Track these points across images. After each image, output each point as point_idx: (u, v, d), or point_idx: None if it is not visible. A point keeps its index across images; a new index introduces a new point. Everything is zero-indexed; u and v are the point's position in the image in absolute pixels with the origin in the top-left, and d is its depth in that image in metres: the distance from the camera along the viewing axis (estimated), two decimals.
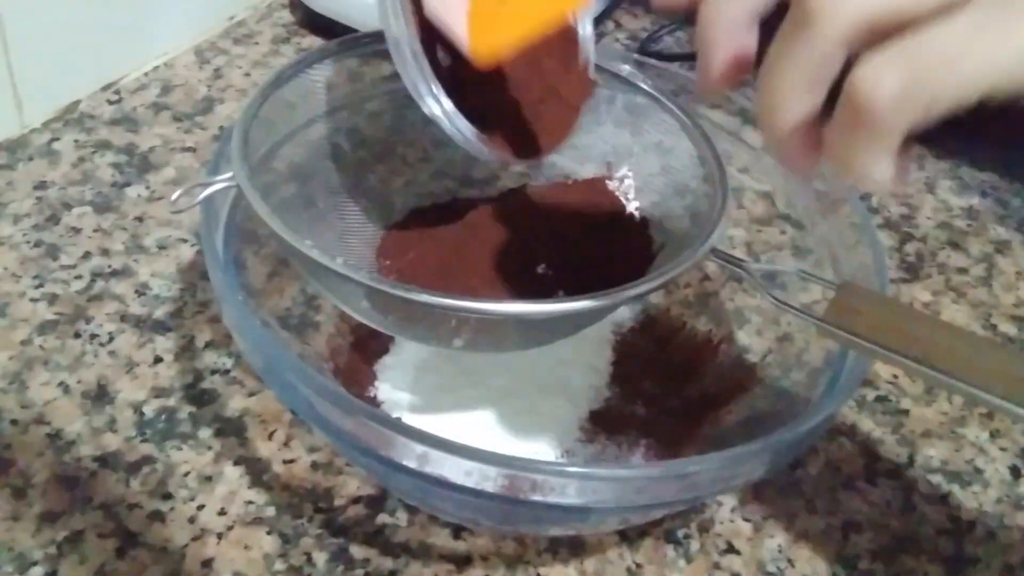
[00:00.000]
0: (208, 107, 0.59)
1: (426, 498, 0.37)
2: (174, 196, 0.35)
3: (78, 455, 0.40)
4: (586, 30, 0.38)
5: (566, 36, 0.38)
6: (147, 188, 0.52)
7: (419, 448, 0.31)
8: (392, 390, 0.42)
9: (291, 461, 0.41)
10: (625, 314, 0.46)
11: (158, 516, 0.38)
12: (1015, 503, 0.42)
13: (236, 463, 0.40)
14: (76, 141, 0.55)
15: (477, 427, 0.40)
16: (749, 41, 0.29)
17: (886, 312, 0.33)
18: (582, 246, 0.42)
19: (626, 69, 0.43)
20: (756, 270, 0.37)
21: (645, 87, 0.42)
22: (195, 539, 0.38)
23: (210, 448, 0.41)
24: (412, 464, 0.31)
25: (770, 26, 0.28)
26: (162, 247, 0.49)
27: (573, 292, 0.34)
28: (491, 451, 0.31)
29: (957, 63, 0.24)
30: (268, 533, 0.38)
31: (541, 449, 0.40)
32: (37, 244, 0.49)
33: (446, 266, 0.40)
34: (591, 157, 0.46)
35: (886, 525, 0.41)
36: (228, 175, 0.35)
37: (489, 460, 0.31)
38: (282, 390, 0.34)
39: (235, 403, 0.43)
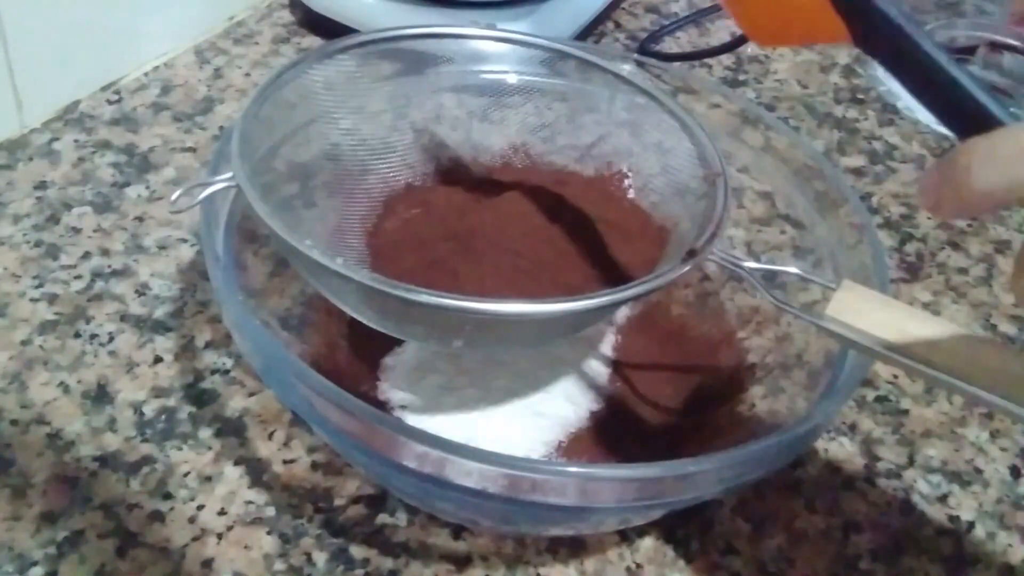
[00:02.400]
0: (208, 107, 0.58)
1: (426, 498, 0.37)
2: (174, 196, 0.35)
3: (78, 455, 0.40)
4: None
5: None
6: (147, 188, 0.52)
7: (419, 448, 0.31)
8: (392, 390, 0.42)
9: (291, 461, 0.41)
10: (625, 314, 0.46)
11: (158, 516, 0.38)
12: (1015, 503, 0.42)
13: (236, 463, 0.40)
14: (76, 141, 0.55)
15: (477, 427, 0.40)
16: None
17: (886, 312, 0.33)
18: (583, 246, 0.41)
19: (626, 69, 0.43)
20: (755, 270, 0.37)
21: (645, 87, 0.42)
22: (195, 539, 0.38)
23: (210, 448, 0.41)
24: (412, 464, 0.31)
25: None
26: (162, 247, 0.49)
27: (574, 292, 0.34)
28: (491, 451, 0.31)
29: None
30: (268, 533, 0.38)
31: (541, 449, 0.40)
32: (37, 244, 0.49)
33: (446, 264, 0.40)
34: (591, 157, 0.46)
35: (886, 525, 0.41)
36: (228, 175, 0.35)
37: (489, 460, 0.31)
38: (282, 390, 0.34)
39: (235, 403, 0.43)
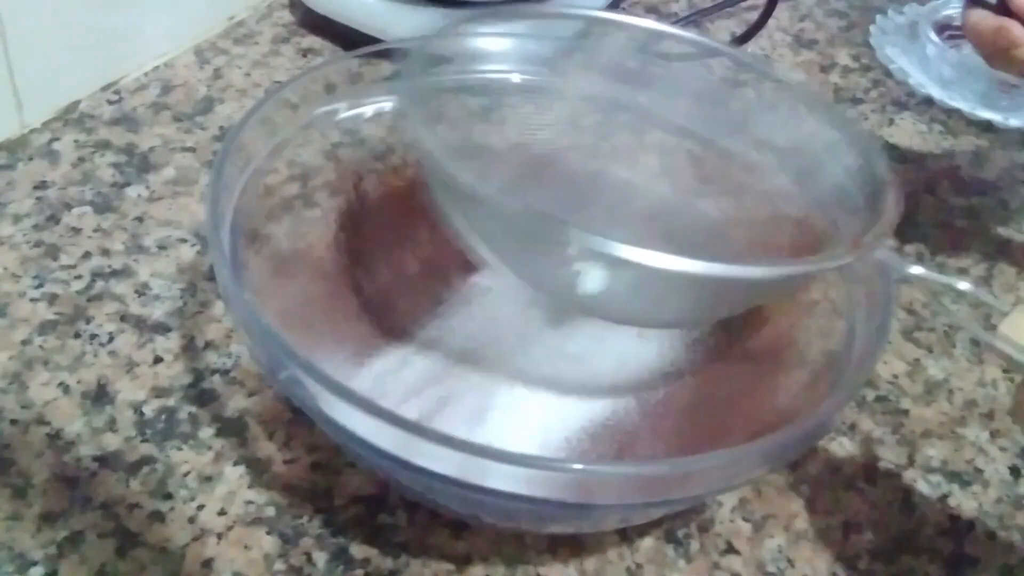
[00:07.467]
0: (208, 107, 0.58)
1: (430, 495, 0.37)
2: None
3: (78, 455, 0.40)
4: None
5: None
6: (147, 188, 0.52)
7: (428, 445, 0.31)
8: (394, 389, 0.42)
9: (291, 461, 0.41)
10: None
11: (158, 516, 0.38)
12: (1015, 503, 0.42)
13: (236, 463, 0.40)
14: (76, 141, 0.55)
15: (478, 425, 0.40)
16: None
17: None
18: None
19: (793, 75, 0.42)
20: (921, 277, 0.35)
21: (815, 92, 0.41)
22: (195, 539, 0.38)
23: (210, 448, 0.41)
24: (420, 462, 0.31)
25: None
26: (162, 247, 0.49)
27: None
28: (495, 448, 0.31)
29: None
30: (268, 533, 0.38)
31: (548, 445, 0.40)
32: (37, 244, 0.49)
33: None
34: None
35: (886, 525, 0.41)
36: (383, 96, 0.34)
37: (491, 457, 0.31)
38: (289, 388, 0.34)
39: (235, 403, 0.42)
